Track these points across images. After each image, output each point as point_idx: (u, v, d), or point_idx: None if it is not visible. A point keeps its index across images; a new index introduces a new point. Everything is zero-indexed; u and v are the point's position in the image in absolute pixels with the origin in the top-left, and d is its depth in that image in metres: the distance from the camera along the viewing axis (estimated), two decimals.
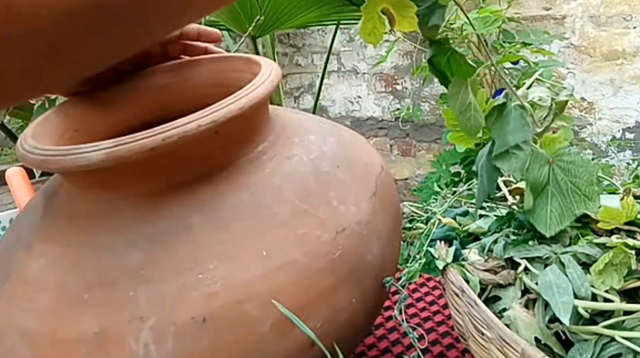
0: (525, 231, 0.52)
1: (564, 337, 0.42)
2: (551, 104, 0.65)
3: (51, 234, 0.43)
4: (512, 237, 0.51)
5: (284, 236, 0.42)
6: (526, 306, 0.45)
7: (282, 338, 0.40)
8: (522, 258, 0.48)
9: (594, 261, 0.43)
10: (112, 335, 0.37)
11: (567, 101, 0.66)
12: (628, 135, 1.80)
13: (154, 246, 0.40)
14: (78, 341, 0.37)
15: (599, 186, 0.48)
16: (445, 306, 0.72)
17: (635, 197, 0.50)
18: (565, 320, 0.40)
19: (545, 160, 0.49)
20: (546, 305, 0.43)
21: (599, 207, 0.47)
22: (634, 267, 0.42)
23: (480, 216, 0.60)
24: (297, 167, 0.47)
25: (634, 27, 1.70)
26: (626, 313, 0.41)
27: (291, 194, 0.44)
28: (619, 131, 1.81)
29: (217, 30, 0.56)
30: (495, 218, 0.57)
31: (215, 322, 0.38)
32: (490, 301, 0.47)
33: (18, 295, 0.41)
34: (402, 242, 0.56)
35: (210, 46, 0.57)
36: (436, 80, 0.51)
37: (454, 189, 0.66)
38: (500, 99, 0.50)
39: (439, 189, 0.68)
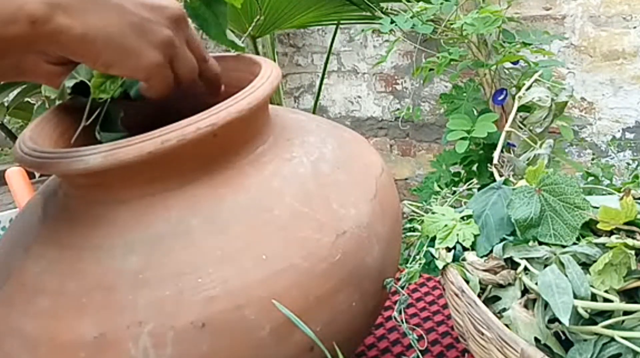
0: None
1: (563, 337, 0.42)
2: (551, 105, 0.65)
3: (50, 236, 0.43)
4: (512, 237, 0.51)
5: (284, 240, 0.41)
6: (526, 306, 0.45)
7: (281, 342, 0.40)
8: (521, 258, 0.48)
9: (594, 262, 0.43)
10: (111, 339, 0.37)
11: (566, 102, 0.66)
12: (628, 135, 1.80)
13: (152, 249, 0.39)
14: (77, 345, 0.37)
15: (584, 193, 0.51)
16: (445, 306, 0.72)
17: (636, 198, 0.50)
18: (565, 320, 0.40)
19: (531, 191, 0.51)
20: (546, 305, 0.43)
21: (595, 208, 0.47)
22: (633, 267, 0.42)
23: None
24: (297, 169, 0.46)
25: (634, 27, 1.70)
26: (626, 313, 0.41)
27: (291, 196, 0.44)
28: (619, 131, 1.81)
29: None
30: None
31: (215, 327, 0.38)
32: (490, 301, 0.47)
33: (17, 298, 0.41)
34: (402, 243, 0.56)
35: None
36: (436, 80, 0.51)
37: (454, 189, 0.66)
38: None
39: (439, 189, 0.68)
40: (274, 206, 0.43)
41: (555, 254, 0.47)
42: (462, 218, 0.53)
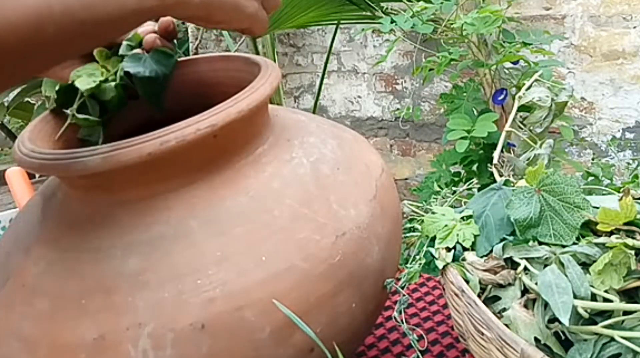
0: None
1: (563, 337, 0.42)
2: (551, 105, 0.65)
3: (49, 238, 0.43)
4: (512, 237, 0.51)
5: (284, 241, 0.41)
6: (526, 306, 0.45)
7: (281, 344, 0.40)
8: (521, 258, 0.48)
9: (594, 262, 0.43)
10: (110, 341, 0.37)
11: (566, 102, 0.66)
12: (628, 135, 1.80)
13: (152, 251, 0.39)
14: (76, 347, 0.37)
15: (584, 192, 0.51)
16: (445, 306, 0.72)
17: (635, 198, 0.50)
18: (565, 320, 0.40)
19: (531, 191, 0.51)
20: (546, 305, 0.43)
21: (596, 208, 0.47)
22: (633, 267, 0.42)
23: None
24: (297, 170, 0.46)
25: (634, 27, 1.70)
26: (626, 313, 0.41)
27: (290, 198, 0.44)
28: (619, 130, 1.81)
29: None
30: None
31: (214, 328, 0.38)
32: (490, 301, 0.47)
33: (16, 299, 0.41)
34: (402, 243, 0.56)
35: None
36: (436, 80, 0.51)
37: (454, 189, 0.66)
38: None
39: (439, 189, 0.68)
40: (273, 208, 0.43)
41: (555, 254, 0.47)
42: (462, 218, 0.53)
